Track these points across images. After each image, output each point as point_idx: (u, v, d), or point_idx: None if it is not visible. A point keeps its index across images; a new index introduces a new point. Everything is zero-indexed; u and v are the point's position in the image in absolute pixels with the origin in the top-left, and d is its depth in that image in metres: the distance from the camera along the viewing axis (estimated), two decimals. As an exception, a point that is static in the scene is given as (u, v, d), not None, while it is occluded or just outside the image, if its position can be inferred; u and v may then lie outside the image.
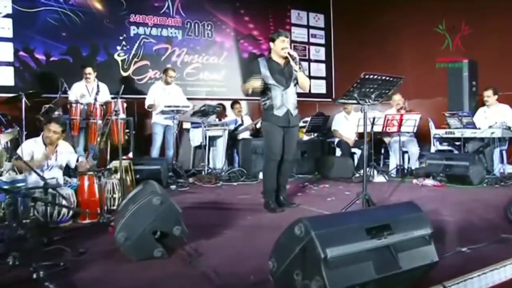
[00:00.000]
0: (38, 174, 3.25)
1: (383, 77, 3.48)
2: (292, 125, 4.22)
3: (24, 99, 5.64)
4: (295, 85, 4.25)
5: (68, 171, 4.40)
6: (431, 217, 2.37)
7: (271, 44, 4.23)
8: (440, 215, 3.76)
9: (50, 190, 3.28)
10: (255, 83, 3.99)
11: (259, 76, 4.04)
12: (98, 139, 5.68)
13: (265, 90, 4.15)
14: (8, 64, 6.50)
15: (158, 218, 2.65)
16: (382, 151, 7.25)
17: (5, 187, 3.04)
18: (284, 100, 4.14)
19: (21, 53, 6.59)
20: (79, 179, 3.86)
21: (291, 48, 4.18)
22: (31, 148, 4.07)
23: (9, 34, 6.50)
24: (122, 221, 2.62)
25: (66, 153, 4.29)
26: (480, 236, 3.03)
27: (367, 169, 6.21)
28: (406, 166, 6.61)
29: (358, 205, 3.71)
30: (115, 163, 4.99)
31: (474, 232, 3.20)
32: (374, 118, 6.08)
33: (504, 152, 6.15)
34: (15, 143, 5.48)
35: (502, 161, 6.10)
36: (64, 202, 3.42)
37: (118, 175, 4.72)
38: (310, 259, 1.78)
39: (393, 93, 6.77)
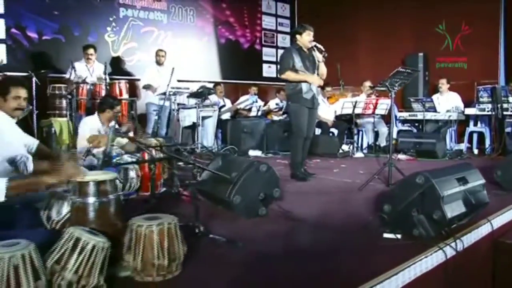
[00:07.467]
0: (141, 144, 3.67)
1: (408, 70, 4.34)
2: (315, 107, 4.97)
3: (35, 79, 5.72)
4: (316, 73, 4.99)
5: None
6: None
7: (297, 36, 4.89)
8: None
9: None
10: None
11: (293, 62, 4.72)
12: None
13: None
14: (-1, 41, 6.41)
15: (265, 182, 3.25)
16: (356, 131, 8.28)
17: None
18: (311, 85, 4.85)
19: (13, 30, 6.50)
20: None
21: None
22: (95, 126, 4.33)
23: (1, 9, 6.38)
24: (236, 187, 3.12)
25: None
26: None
27: (348, 146, 7.27)
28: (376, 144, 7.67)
29: (382, 173, 4.54)
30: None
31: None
32: (356, 102, 6.99)
33: (453, 132, 7.47)
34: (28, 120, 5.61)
35: (451, 139, 7.41)
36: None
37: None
38: (429, 199, 2.56)
39: (365, 80, 7.81)
